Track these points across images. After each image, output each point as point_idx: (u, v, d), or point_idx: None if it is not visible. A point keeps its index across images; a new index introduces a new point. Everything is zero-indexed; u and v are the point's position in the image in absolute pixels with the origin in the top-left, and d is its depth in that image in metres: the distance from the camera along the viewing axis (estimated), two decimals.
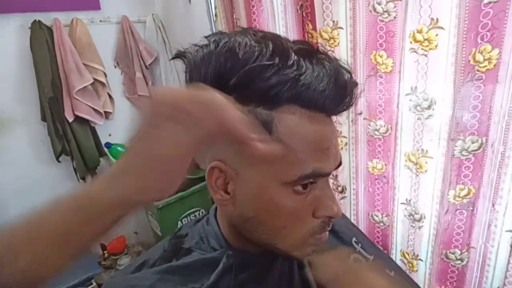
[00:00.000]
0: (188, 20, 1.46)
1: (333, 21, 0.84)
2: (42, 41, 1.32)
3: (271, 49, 0.32)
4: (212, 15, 1.30)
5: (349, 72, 0.35)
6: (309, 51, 0.34)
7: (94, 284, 1.26)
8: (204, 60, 0.33)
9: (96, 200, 0.27)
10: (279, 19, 1.00)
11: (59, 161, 1.45)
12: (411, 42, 0.72)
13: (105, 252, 1.59)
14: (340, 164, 0.37)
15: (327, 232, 0.38)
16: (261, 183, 0.34)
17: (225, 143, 0.34)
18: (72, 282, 1.20)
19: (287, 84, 0.32)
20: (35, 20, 1.31)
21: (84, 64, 1.40)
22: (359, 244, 0.51)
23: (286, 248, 0.37)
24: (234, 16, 1.08)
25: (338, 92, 0.34)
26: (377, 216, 0.96)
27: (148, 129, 0.27)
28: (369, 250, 0.51)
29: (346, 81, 0.34)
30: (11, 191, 1.39)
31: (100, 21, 1.49)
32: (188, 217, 1.58)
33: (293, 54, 0.33)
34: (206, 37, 0.35)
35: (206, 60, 0.33)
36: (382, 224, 0.95)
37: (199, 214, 1.62)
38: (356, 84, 0.36)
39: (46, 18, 1.33)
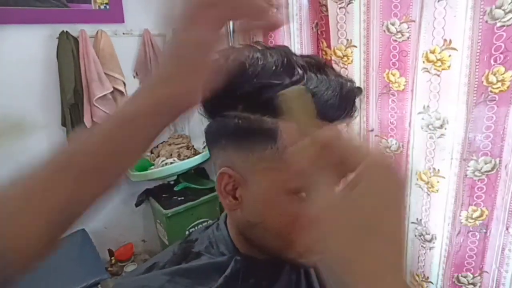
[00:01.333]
0: None
1: (347, 40, 0.86)
2: (68, 50, 1.39)
3: (276, 62, 0.34)
4: (230, 30, 1.35)
5: (352, 81, 0.36)
6: (316, 64, 0.36)
7: None
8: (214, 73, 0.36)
9: (141, 110, 0.27)
10: (294, 37, 1.03)
11: None
12: (424, 62, 0.73)
13: (112, 258, 1.60)
14: None
15: None
16: (267, 190, 0.35)
17: (234, 149, 0.36)
18: (79, 286, 1.21)
19: None
20: (62, 31, 1.39)
21: (105, 73, 1.46)
22: None
23: (292, 255, 0.37)
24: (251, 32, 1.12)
25: (341, 102, 0.35)
26: None
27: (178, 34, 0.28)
28: None
29: (350, 90, 0.35)
30: None
31: (123, 33, 1.56)
32: (196, 228, 1.58)
33: (298, 66, 0.35)
34: (217, 52, 0.38)
35: (216, 73, 0.36)
36: None
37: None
38: (360, 90, 0.37)
39: (73, 29, 1.41)
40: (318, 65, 0.36)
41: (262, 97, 0.34)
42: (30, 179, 0.25)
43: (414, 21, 0.74)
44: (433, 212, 0.81)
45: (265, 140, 0.34)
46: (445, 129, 0.74)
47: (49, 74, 1.41)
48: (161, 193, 1.63)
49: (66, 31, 1.39)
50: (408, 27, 0.75)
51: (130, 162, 0.29)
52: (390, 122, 0.85)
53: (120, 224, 1.69)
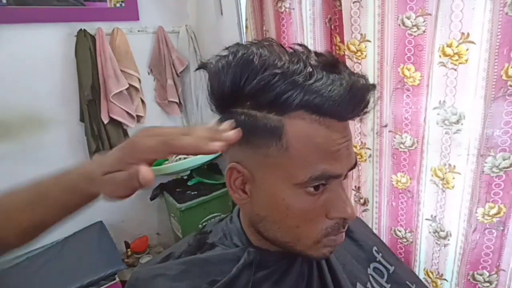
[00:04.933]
0: (219, 31, 1.53)
1: (361, 34, 0.85)
2: (85, 48, 1.43)
3: (285, 60, 0.35)
4: (242, 26, 1.35)
5: (365, 79, 0.36)
6: (328, 62, 0.36)
7: (117, 279, 1.31)
8: (222, 70, 0.36)
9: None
10: (307, 31, 1.03)
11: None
12: (440, 56, 0.72)
13: (128, 250, 1.66)
14: (355, 165, 0.38)
15: (343, 234, 0.39)
16: (273, 184, 0.36)
17: (241, 145, 0.37)
18: (97, 276, 1.25)
19: (297, 91, 0.34)
20: (80, 29, 1.43)
21: (121, 70, 1.49)
22: (380, 254, 0.51)
23: (301, 248, 0.38)
24: (264, 28, 1.12)
25: (350, 100, 0.34)
26: (400, 231, 0.93)
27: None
28: (390, 261, 0.51)
29: (359, 89, 0.35)
30: None
31: (138, 31, 1.59)
32: (208, 222, 1.61)
33: (308, 63, 0.35)
34: (226, 48, 0.39)
35: (225, 70, 0.36)
36: (405, 240, 0.93)
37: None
38: (373, 87, 0.36)
39: (91, 27, 1.44)
40: (330, 63, 0.36)
41: (267, 94, 0.34)
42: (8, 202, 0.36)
43: (430, 14, 0.73)
44: (448, 209, 0.80)
45: (270, 137, 0.35)
46: (462, 124, 0.73)
47: (68, 71, 1.46)
48: (175, 187, 1.67)
49: (84, 29, 1.43)
50: (424, 21, 0.74)
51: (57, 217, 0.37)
52: (405, 118, 0.84)
53: (136, 218, 1.74)
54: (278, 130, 0.34)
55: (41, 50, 1.40)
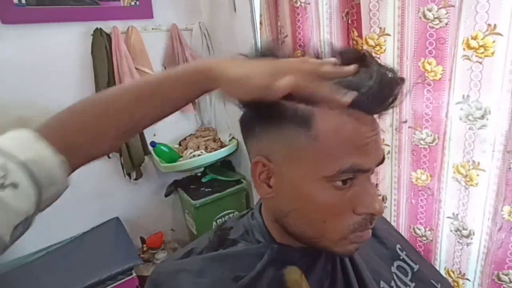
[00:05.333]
0: (232, 28, 1.52)
1: (380, 28, 0.83)
2: (101, 46, 1.45)
3: (314, 52, 0.35)
4: (256, 23, 1.34)
5: (394, 72, 0.35)
6: (354, 58, 0.36)
7: (134, 274, 1.33)
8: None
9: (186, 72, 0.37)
10: (323, 26, 1.01)
11: (109, 157, 1.57)
12: (464, 49, 0.70)
13: (144, 245, 1.68)
14: (383, 160, 0.37)
15: (369, 231, 0.38)
16: (300, 178, 0.36)
17: (267, 138, 0.37)
18: (115, 271, 1.28)
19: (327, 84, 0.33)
20: (96, 28, 1.45)
21: (136, 68, 1.51)
22: (404, 252, 0.50)
23: (326, 243, 0.37)
24: (279, 24, 1.11)
25: (379, 93, 0.34)
26: (419, 229, 0.91)
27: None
28: (414, 259, 0.50)
29: (389, 82, 0.34)
30: None
31: (152, 29, 1.60)
32: (222, 219, 1.62)
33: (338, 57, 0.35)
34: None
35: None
36: (425, 238, 0.91)
37: (233, 216, 1.65)
38: (402, 80, 0.35)
39: (106, 26, 1.46)
40: (357, 58, 0.36)
41: None
42: (108, 99, 0.37)
43: (453, 6, 0.70)
44: (471, 207, 0.78)
45: (299, 128, 0.34)
46: (487, 119, 0.71)
47: (85, 70, 1.48)
48: (189, 184, 1.68)
49: (100, 28, 1.45)
50: (447, 13, 0.72)
51: (170, 107, 0.38)
52: (425, 113, 0.81)
53: (151, 214, 1.76)
54: (308, 119, 0.34)
55: (59, 49, 1.43)
